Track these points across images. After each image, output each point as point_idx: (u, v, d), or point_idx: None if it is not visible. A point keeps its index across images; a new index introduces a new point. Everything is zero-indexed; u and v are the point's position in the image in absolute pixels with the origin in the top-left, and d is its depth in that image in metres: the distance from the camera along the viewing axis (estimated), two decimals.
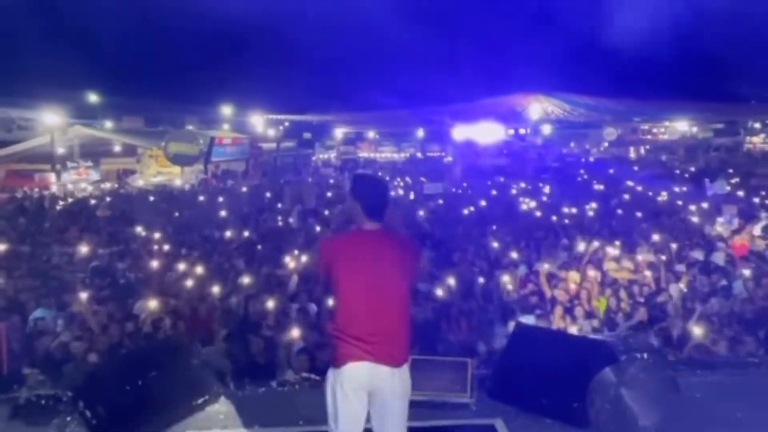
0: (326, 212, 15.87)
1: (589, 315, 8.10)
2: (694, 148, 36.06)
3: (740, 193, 17.36)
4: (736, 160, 30.06)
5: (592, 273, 9.41)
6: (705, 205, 15.01)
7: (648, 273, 9.50)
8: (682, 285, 8.80)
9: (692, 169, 26.52)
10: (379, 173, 30.61)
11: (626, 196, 17.85)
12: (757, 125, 39.68)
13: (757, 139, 39.34)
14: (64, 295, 8.50)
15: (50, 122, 24.41)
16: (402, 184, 24.35)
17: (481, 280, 9.06)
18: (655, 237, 11.28)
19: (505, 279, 8.87)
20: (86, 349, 6.74)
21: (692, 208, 14.72)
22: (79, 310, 7.61)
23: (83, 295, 7.65)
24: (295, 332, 6.66)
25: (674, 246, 10.63)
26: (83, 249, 10.73)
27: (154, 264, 10.04)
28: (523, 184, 21.59)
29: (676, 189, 18.77)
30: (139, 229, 13.02)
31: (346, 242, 3.44)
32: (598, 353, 3.86)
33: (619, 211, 15.44)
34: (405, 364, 3.29)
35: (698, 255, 10.36)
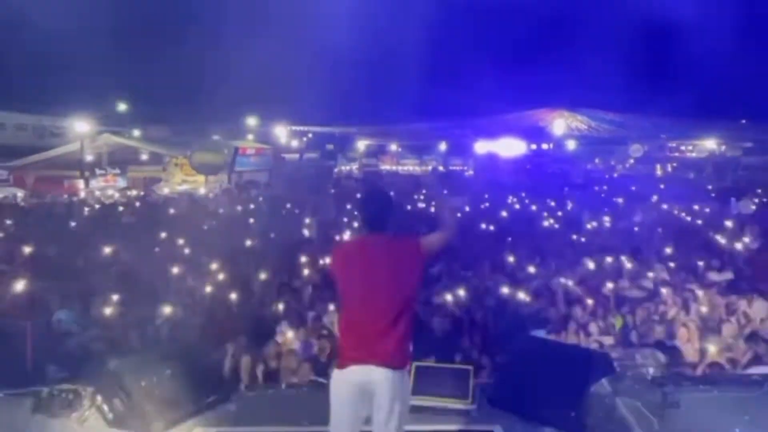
0: (344, 221, 16.01)
1: (604, 332, 8.03)
2: (722, 166, 35.43)
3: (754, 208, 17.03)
4: (766, 179, 29.42)
5: (608, 289, 9.37)
6: (729, 223, 14.78)
7: (665, 290, 9.38)
8: (702, 306, 8.68)
9: (720, 187, 26.07)
10: (396, 186, 30.79)
11: (650, 213, 17.62)
12: None
13: None
14: (88, 297, 8.74)
15: (81, 130, 25.07)
16: (423, 197, 24.37)
17: (494, 292, 9.06)
18: (675, 254, 11.15)
19: (520, 293, 8.85)
20: (106, 349, 6.93)
21: (717, 226, 14.50)
22: (100, 312, 7.80)
23: (105, 298, 7.85)
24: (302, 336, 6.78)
25: (695, 264, 10.47)
26: (107, 253, 10.98)
27: (175, 270, 10.26)
28: (546, 200, 21.46)
29: (701, 207, 18.50)
30: (163, 236, 13.28)
31: (347, 250, 3.74)
32: (596, 363, 3.93)
33: (639, 228, 15.28)
34: (405, 368, 3.35)
35: (718, 275, 10.18)
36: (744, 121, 39.93)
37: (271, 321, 7.91)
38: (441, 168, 43.43)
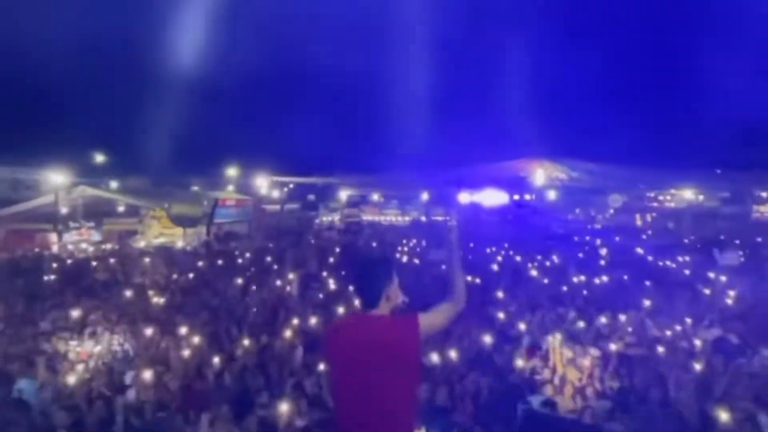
0: (324, 274, 15.59)
1: (602, 395, 7.65)
2: (701, 216, 35.87)
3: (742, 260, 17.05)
4: (745, 229, 29.77)
5: (606, 347, 9.04)
6: (715, 276, 14.67)
7: (662, 349, 9.09)
8: (697, 364, 8.38)
9: (701, 238, 26.21)
10: (381, 236, 30.52)
11: (636, 267, 17.49)
12: (765, 194, 39.64)
13: (765, 208, 39.17)
14: (54, 364, 8.17)
15: (56, 182, 24.55)
16: (407, 249, 24.09)
17: (486, 354, 8.66)
18: (666, 309, 10.91)
19: (513, 354, 8.48)
20: (70, 423, 6.39)
21: (704, 279, 14.38)
22: (64, 382, 7.24)
23: (71, 367, 7.29)
24: (286, 409, 6.28)
25: (689, 321, 10.22)
26: (76, 314, 10.40)
27: (149, 332, 9.72)
28: (530, 252, 21.27)
29: (685, 259, 18.45)
30: (136, 293, 12.72)
31: (341, 334, 3.20)
32: None
33: (626, 280, 15.11)
34: None
35: (712, 333, 9.93)
36: (719, 171, 40.79)
37: (253, 389, 7.39)
38: (423, 218, 43.24)
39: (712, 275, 14.84)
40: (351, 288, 3.31)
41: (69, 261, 19.17)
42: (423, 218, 45.26)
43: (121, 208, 28.92)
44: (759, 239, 23.96)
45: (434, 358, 8.07)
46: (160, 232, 27.65)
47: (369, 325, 3.07)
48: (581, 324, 10.36)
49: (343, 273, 12.33)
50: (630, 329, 10.19)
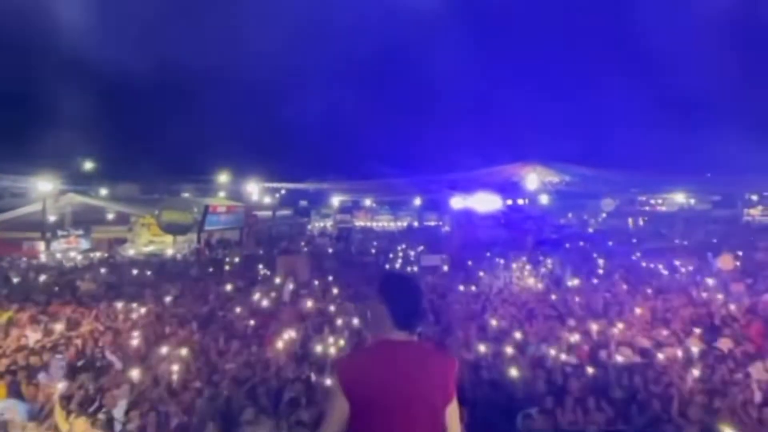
0: (316, 283, 15.39)
1: (601, 407, 7.45)
2: (692, 220, 35.94)
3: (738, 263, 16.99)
4: (737, 233, 29.81)
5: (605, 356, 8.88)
6: (711, 281, 14.56)
7: (661, 356, 8.92)
8: (696, 371, 8.23)
9: (693, 242, 26.18)
10: (374, 242, 30.34)
11: (628, 272, 17.35)
12: (755, 197, 39.79)
13: (755, 212, 39.33)
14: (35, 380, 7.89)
15: (43, 189, 24.17)
16: (401, 254, 23.92)
17: (481, 365, 8.45)
18: (664, 317, 10.76)
19: (511, 364, 8.27)
20: None
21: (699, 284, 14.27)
22: (46, 400, 6.96)
23: (52, 386, 7.02)
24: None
25: (688, 329, 10.06)
26: (59, 328, 10.12)
27: (135, 343, 9.47)
28: (523, 257, 21.13)
29: (679, 263, 18.34)
30: (124, 305, 12.43)
31: (366, 363, 2.73)
32: None
33: (620, 285, 14.97)
34: None
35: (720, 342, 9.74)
36: (709, 175, 40.80)
37: (240, 406, 7.13)
38: (416, 224, 42.92)
39: (709, 281, 14.73)
40: (383, 306, 2.71)
41: (56, 270, 18.82)
42: (416, 223, 45.09)
43: (110, 216, 28.54)
44: (751, 242, 23.91)
45: None
46: (149, 240, 27.32)
47: (404, 345, 2.69)
48: (577, 333, 10.19)
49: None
50: (625, 337, 10.02)
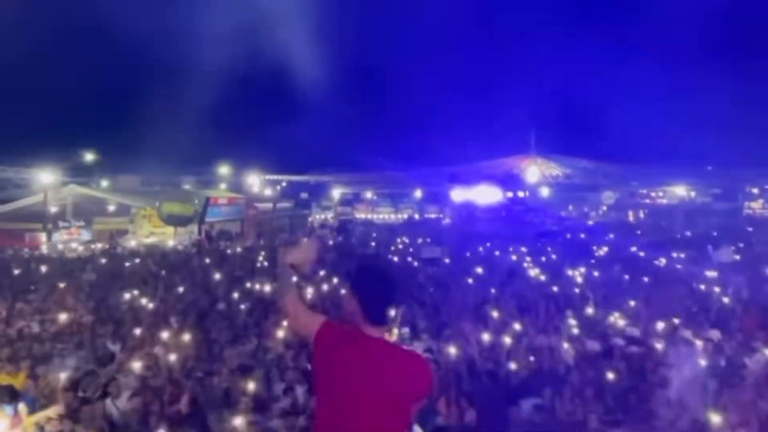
0: (321, 274, 15.41)
1: (600, 397, 7.50)
2: (693, 213, 35.91)
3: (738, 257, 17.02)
4: (737, 225, 29.80)
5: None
6: (712, 274, 14.59)
7: (659, 346, 8.97)
8: (693, 361, 8.26)
9: (694, 235, 26.18)
10: (374, 234, 30.38)
11: (630, 264, 17.39)
12: (755, 190, 39.77)
13: (756, 205, 39.29)
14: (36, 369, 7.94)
15: (45, 181, 24.23)
16: (401, 246, 23.96)
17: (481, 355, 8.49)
18: (664, 309, 10.79)
19: (511, 354, 8.32)
20: None
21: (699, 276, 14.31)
22: (45, 392, 7.00)
23: (53, 376, 7.07)
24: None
25: (685, 320, 10.10)
26: (62, 318, 10.17)
27: (137, 333, 9.52)
28: (523, 249, 21.18)
29: (680, 256, 18.37)
30: (126, 295, 12.49)
31: (338, 342, 2.58)
32: None
33: (621, 278, 15.02)
34: None
35: (710, 333, 9.80)
36: (710, 168, 40.85)
37: (237, 395, 7.20)
38: (417, 216, 42.91)
39: (709, 273, 14.75)
40: (354, 298, 2.54)
41: (58, 261, 18.89)
42: (416, 216, 45.11)
43: (111, 207, 28.59)
44: (751, 235, 23.94)
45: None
46: (150, 232, 27.37)
47: (376, 342, 2.55)
48: (575, 324, 10.24)
49: (346, 277, 11.99)
50: (627, 328, 10.07)
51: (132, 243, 24.97)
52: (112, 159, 32.49)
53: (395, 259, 19.68)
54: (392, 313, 2.69)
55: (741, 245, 19.20)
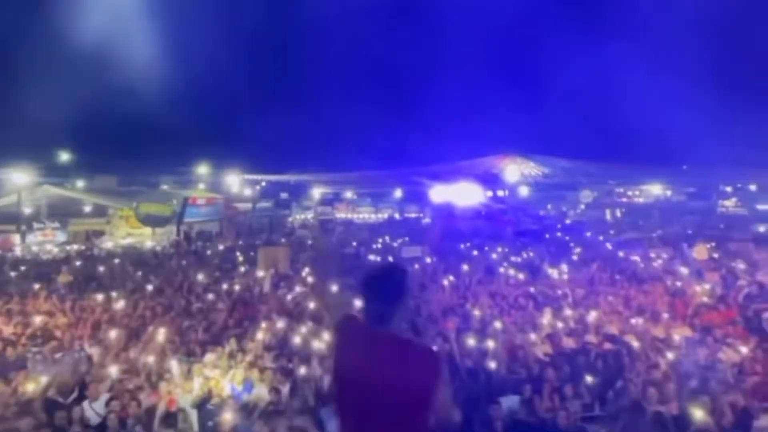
0: (303, 274, 15.36)
1: (578, 394, 7.60)
2: (668, 211, 36.52)
3: (716, 255, 17.34)
4: (711, 224, 30.37)
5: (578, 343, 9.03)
6: (686, 271, 14.84)
7: (637, 344, 9.10)
8: (670, 355, 8.43)
9: (669, 233, 26.60)
10: (354, 234, 30.35)
11: (607, 262, 17.62)
12: (729, 189, 40.56)
13: (729, 203, 40.09)
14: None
15: (19, 182, 23.76)
16: (381, 246, 23.98)
17: (463, 354, 8.53)
18: (640, 306, 10.97)
19: (491, 353, 8.38)
20: None
21: (675, 274, 14.54)
22: (16, 397, 6.88)
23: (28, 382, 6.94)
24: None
25: (663, 317, 10.27)
26: (37, 321, 9.98)
27: (113, 335, 9.37)
28: (503, 248, 21.33)
29: (654, 254, 18.65)
30: (102, 297, 12.30)
31: (351, 334, 2.75)
32: None
33: (598, 275, 15.21)
34: None
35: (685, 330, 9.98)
36: (685, 167, 41.45)
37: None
38: (397, 216, 42.92)
39: (683, 270, 15.00)
40: (359, 299, 2.79)
41: (32, 262, 18.54)
42: (396, 215, 45.16)
43: (87, 208, 28.15)
44: (725, 233, 24.40)
45: None
46: (128, 232, 27.00)
47: (378, 337, 2.63)
48: (555, 321, 10.35)
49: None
50: (603, 325, 10.20)
51: (109, 244, 24.62)
52: (88, 159, 31.96)
53: (377, 258, 19.69)
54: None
55: (714, 243, 19.53)
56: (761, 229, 25.67)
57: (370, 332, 2.65)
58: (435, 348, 2.83)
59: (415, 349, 2.64)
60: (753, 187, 39.91)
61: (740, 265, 15.37)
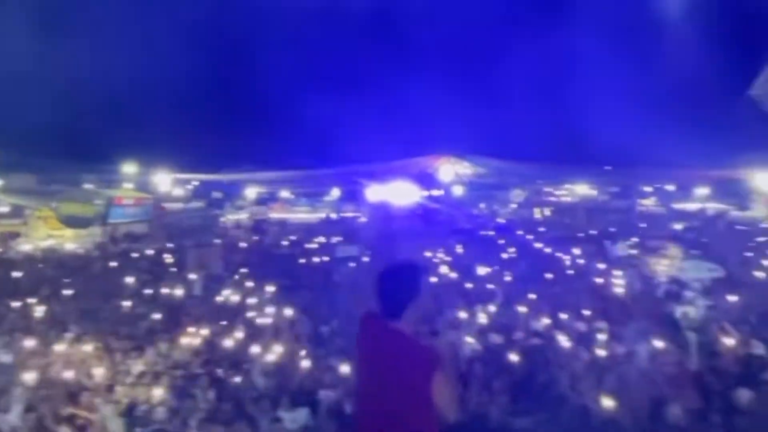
0: (236, 277, 15.07)
1: (505, 389, 7.83)
2: (593, 210, 38.10)
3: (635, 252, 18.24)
4: (631, 222, 31.89)
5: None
6: (606, 267, 15.56)
7: (562, 338, 9.46)
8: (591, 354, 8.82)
9: (593, 231, 27.76)
10: (291, 235, 30.07)
11: (535, 260, 18.25)
12: (648, 189, 42.68)
13: (648, 202, 42.22)
14: None
15: None
16: (317, 246, 23.89)
17: None
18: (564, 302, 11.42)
19: None
20: None
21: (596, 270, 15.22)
22: None
23: None
24: None
25: (584, 312, 10.72)
26: None
27: (31, 344, 8.91)
28: (438, 248, 21.69)
29: (579, 251, 19.40)
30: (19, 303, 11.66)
31: (366, 333, 3.03)
32: None
33: (526, 272, 15.73)
34: None
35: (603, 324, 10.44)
36: (609, 167, 43.21)
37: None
38: (334, 215, 42.80)
39: (602, 266, 15.71)
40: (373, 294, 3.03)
41: None
42: (333, 215, 44.94)
43: (2, 209, 26.55)
44: (644, 231, 25.71)
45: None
46: (48, 234, 25.62)
47: (391, 331, 2.88)
48: (485, 318, 10.63)
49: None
50: (528, 320, 10.57)
51: (27, 247, 23.30)
52: (3, 155, 30.02)
53: (315, 259, 19.64)
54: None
55: (634, 240, 20.55)
56: (677, 227, 27.18)
57: (384, 325, 2.89)
58: (439, 346, 3.07)
59: (416, 345, 2.90)
60: (670, 187, 42.16)
61: (659, 262, 16.23)
